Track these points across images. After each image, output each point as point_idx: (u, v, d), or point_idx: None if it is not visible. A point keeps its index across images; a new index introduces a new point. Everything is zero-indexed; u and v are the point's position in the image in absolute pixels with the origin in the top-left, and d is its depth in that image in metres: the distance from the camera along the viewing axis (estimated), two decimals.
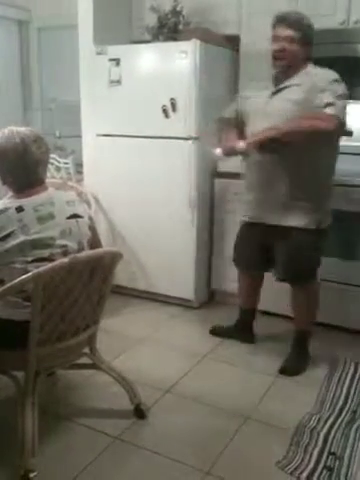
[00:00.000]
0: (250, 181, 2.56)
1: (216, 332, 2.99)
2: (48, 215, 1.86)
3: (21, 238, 1.80)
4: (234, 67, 3.37)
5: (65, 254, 1.86)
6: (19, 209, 1.82)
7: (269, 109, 2.40)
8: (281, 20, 2.38)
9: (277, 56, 2.39)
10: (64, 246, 1.89)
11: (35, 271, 1.69)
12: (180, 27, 3.29)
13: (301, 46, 2.36)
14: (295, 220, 2.44)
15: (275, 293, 3.13)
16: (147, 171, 3.31)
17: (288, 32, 2.34)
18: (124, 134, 3.33)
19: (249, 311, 2.90)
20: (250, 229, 2.63)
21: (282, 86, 2.41)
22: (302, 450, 1.97)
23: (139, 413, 2.18)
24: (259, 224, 2.56)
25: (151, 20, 3.35)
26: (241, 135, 2.57)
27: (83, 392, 2.39)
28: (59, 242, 1.88)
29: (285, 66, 2.39)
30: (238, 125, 2.63)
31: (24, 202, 1.85)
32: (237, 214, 3.22)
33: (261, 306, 3.25)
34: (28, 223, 1.81)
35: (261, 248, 2.61)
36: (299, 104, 2.32)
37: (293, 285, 2.58)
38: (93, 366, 2.18)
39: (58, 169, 3.71)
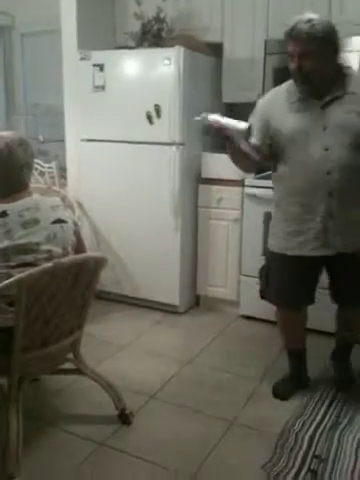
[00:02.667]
0: (303, 203, 2.11)
1: (282, 394, 2.42)
2: (33, 220, 1.85)
3: (5, 243, 1.79)
4: (217, 74, 3.40)
5: (50, 259, 1.85)
6: (3, 214, 1.81)
7: (327, 125, 2.01)
8: (292, 35, 1.96)
9: (298, 78, 2.01)
10: (49, 251, 1.88)
11: (18, 276, 1.68)
12: (163, 34, 3.32)
13: (326, 57, 1.97)
14: None
15: (260, 298, 3.16)
16: (131, 176, 3.31)
17: (303, 47, 1.94)
18: (108, 139, 3.33)
19: (303, 351, 2.47)
20: (301, 262, 2.17)
21: (331, 97, 2.02)
22: (287, 453, 1.98)
23: (123, 419, 2.17)
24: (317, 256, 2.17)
25: (135, 26, 3.37)
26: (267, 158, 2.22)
27: (67, 398, 2.37)
28: (44, 247, 1.87)
29: (307, 82, 2.01)
30: (267, 151, 2.20)
31: (8, 207, 1.84)
32: (221, 219, 3.27)
33: (244, 311, 3.28)
34: (12, 228, 1.80)
35: (316, 278, 2.27)
36: None
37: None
38: (77, 372, 2.17)
39: (42, 174, 3.70)
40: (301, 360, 2.47)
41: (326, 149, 2.01)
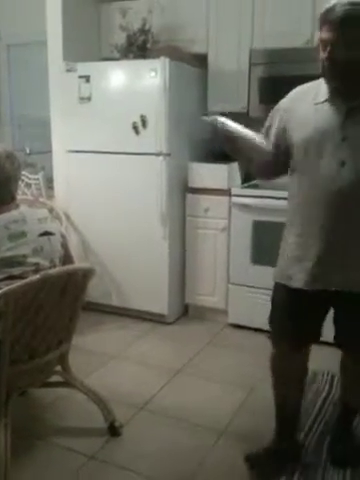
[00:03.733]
0: (313, 226, 1.74)
1: (253, 461, 1.99)
2: (20, 233, 1.85)
3: None
4: (203, 84, 3.43)
5: (37, 272, 1.84)
6: None
7: (347, 135, 1.64)
8: (327, 18, 1.59)
9: (328, 71, 1.65)
10: (36, 264, 1.87)
11: (5, 289, 1.67)
12: (149, 45, 3.34)
13: None
14: None
15: (248, 307, 3.17)
16: (118, 187, 3.32)
17: (337, 32, 1.58)
18: (95, 150, 3.33)
19: (296, 410, 2.03)
20: (303, 296, 1.80)
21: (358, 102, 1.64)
22: None
23: (113, 431, 2.16)
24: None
25: (120, 38, 3.39)
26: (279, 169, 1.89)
27: (56, 411, 2.35)
28: (31, 260, 1.86)
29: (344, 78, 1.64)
30: (278, 159, 1.86)
31: None
32: (208, 229, 3.28)
33: (232, 319, 3.29)
34: None
35: (322, 313, 1.89)
36: None
37: None
38: (66, 384, 2.16)
39: (28, 185, 3.69)
40: (292, 423, 2.03)
41: (342, 164, 1.65)
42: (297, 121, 1.75)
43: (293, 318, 1.86)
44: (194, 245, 3.37)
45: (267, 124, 1.89)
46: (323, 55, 1.61)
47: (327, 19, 1.57)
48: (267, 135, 1.88)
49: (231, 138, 1.88)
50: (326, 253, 1.72)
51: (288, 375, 1.97)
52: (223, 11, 3.29)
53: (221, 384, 2.62)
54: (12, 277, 1.79)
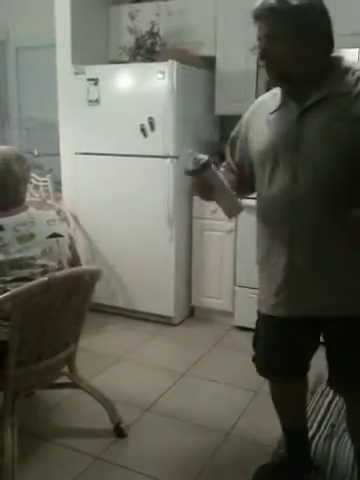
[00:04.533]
0: (275, 248, 1.59)
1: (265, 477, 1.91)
2: (29, 235, 1.87)
3: (0, 257, 1.80)
4: (210, 87, 3.44)
5: (45, 274, 1.86)
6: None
7: (300, 141, 1.47)
8: (258, 15, 1.47)
9: (263, 64, 1.52)
10: (44, 265, 1.89)
11: (12, 291, 1.69)
12: (157, 48, 3.36)
13: (300, 43, 1.43)
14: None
15: (254, 309, 3.17)
16: (126, 189, 3.33)
17: (271, 27, 1.44)
18: (103, 152, 3.35)
19: (302, 429, 1.94)
20: (283, 324, 1.65)
21: (315, 100, 1.45)
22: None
23: (119, 432, 2.17)
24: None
25: (128, 41, 3.41)
26: (242, 185, 1.72)
27: (62, 412, 2.37)
28: (39, 262, 1.88)
29: (282, 77, 1.49)
30: (243, 174, 1.73)
31: (4, 221, 1.85)
32: (215, 230, 3.29)
33: (238, 322, 3.29)
34: (8, 242, 1.82)
35: (305, 346, 1.71)
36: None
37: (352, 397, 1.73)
38: (72, 385, 2.17)
39: (36, 187, 3.71)
40: (300, 441, 1.92)
41: (294, 175, 1.47)
42: (253, 135, 1.63)
43: (272, 349, 1.72)
44: (201, 247, 3.37)
45: (233, 134, 1.77)
46: (258, 54, 1.50)
47: (255, 13, 1.47)
48: (232, 145, 1.77)
49: (207, 185, 1.56)
50: (290, 276, 1.56)
51: (283, 403, 1.87)
52: (231, 14, 3.29)
53: (226, 386, 2.62)
54: (20, 279, 1.80)
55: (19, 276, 1.82)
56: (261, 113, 1.62)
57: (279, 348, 1.70)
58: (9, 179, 1.88)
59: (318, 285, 1.54)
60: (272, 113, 1.56)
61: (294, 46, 1.43)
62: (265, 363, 1.77)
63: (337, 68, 1.48)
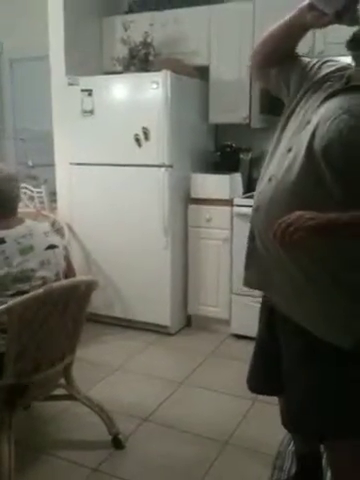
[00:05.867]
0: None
1: None
2: (28, 247, 1.88)
3: (4, 270, 1.80)
4: (204, 96, 3.46)
5: (43, 286, 1.86)
6: (1, 241, 1.83)
7: (312, 121, 1.36)
8: None
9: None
10: (43, 278, 1.89)
11: (9, 303, 1.69)
12: (151, 58, 3.37)
13: None
14: (310, 320, 1.38)
15: (251, 317, 3.17)
16: (121, 198, 3.34)
17: None
18: (98, 163, 3.36)
19: (311, 455, 1.78)
20: (261, 313, 1.64)
21: (354, 83, 1.35)
22: (286, 474, 1.97)
23: (117, 443, 2.15)
24: (266, 305, 1.59)
25: (122, 51, 3.42)
26: None
27: (60, 424, 2.35)
28: (38, 274, 1.88)
29: None
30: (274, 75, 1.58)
31: (5, 233, 1.85)
32: (211, 239, 3.30)
33: (235, 330, 3.28)
34: (10, 255, 1.82)
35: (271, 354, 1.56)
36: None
37: (316, 441, 1.61)
38: (69, 397, 2.16)
39: (31, 198, 3.71)
40: (311, 469, 1.77)
41: (289, 149, 1.40)
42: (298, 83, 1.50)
43: (254, 355, 1.69)
44: (197, 255, 3.37)
45: (309, 61, 1.53)
46: None
47: None
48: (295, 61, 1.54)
49: None
50: (250, 245, 1.53)
51: (283, 420, 1.73)
52: (224, 24, 3.32)
53: (224, 395, 2.61)
54: (21, 292, 1.79)
55: (20, 290, 1.82)
56: (324, 76, 1.46)
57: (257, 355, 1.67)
58: (12, 190, 1.93)
59: (272, 271, 1.45)
60: (323, 84, 1.43)
61: None
62: (251, 376, 1.73)
63: None
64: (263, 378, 1.66)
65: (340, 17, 1.32)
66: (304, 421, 1.43)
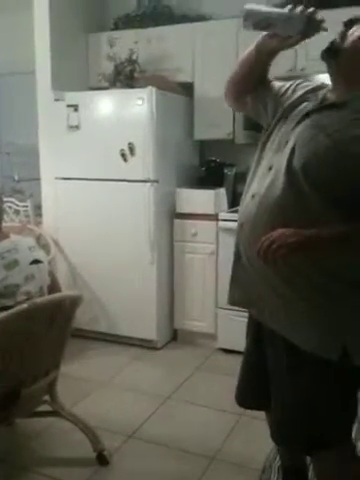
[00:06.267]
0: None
1: None
2: (13, 261, 1.87)
3: None
4: (189, 112, 3.50)
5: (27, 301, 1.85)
6: None
7: (291, 140, 1.39)
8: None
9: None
10: (27, 293, 1.89)
11: None
12: (136, 75, 3.41)
13: None
14: (297, 334, 1.39)
15: (237, 331, 3.18)
16: (107, 213, 3.34)
17: None
18: (83, 177, 3.37)
19: (295, 472, 1.82)
20: (248, 328, 1.67)
21: (327, 103, 1.40)
22: None
23: (102, 460, 2.13)
24: (252, 320, 1.62)
25: (108, 68, 3.46)
26: None
27: (44, 440, 2.32)
28: (23, 289, 1.88)
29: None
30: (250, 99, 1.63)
31: None
32: (196, 253, 3.31)
33: (221, 344, 3.29)
34: None
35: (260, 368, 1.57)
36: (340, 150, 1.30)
37: (304, 453, 1.63)
38: (54, 413, 2.14)
39: (17, 212, 3.70)
40: (298, 478, 1.81)
41: (269, 168, 1.44)
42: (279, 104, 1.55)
43: (241, 369, 1.72)
44: (182, 270, 3.38)
45: (282, 85, 1.60)
46: None
47: None
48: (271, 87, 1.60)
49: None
50: (236, 262, 1.56)
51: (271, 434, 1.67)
52: (207, 41, 3.37)
53: (211, 410, 2.61)
54: (5, 308, 1.78)
55: (4, 305, 1.80)
56: (300, 95, 1.51)
57: (244, 369, 1.70)
58: None
59: (258, 286, 1.47)
60: (302, 104, 1.47)
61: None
62: (237, 389, 1.73)
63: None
64: (251, 393, 1.68)
65: (305, 34, 1.38)
66: (292, 434, 1.46)
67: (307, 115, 1.39)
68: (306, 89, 1.52)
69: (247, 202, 1.48)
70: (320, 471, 1.52)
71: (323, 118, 1.35)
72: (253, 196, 1.45)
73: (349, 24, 1.34)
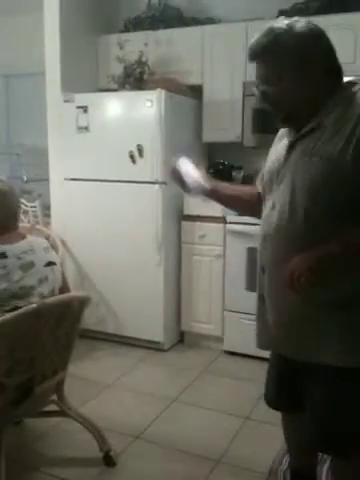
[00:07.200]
0: (257, 288, 1.59)
1: None
2: (29, 263, 1.89)
3: (3, 285, 1.80)
4: (198, 115, 3.51)
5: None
6: (2, 255, 1.83)
7: (285, 172, 1.44)
8: (252, 56, 1.44)
9: (267, 107, 1.47)
10: (40, 294, 1.90)
11: (1, 317, 1.68)
12: (145, 77, 3.42)
13: (301, 80, 1.38)
14: (327, 353, 1.41)
15: (244, 334, 3.18)
16: (115, 214, 3.35)
17: (266, 69, 1.41)
18: (92, 178, 3.38)
19: (305, 472, 1.83)
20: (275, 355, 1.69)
21: (306, 130, 1.40)
22: None
23: (108, 461, 2.14)
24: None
25: (117, 69, 3.47)
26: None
27: (51, 440, 2.33)
28: (37, 291, 1.89)
29: (286, 116, 1.44)
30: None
31: (7, 248, 1.86)
32: (204, 255, 3.31)
33: (228, 347, 3.29)
34: (11, 270, 1.82)
35: (287, 380, 1.64)
36: (334, 163, 1.32)
37: (330, 455, 1.65)
38: (61, 413, 2.15)
39: (25, 213, 3.72)
40: None
41: (273, 206, 1.47)
42: (268, 158, 1.62)
43: (268, 378, 1.74)
44: (189, 272, 3.38)
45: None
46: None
47: (248, 55, 1.46)
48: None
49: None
50: (260, 310, 1.57)
51: (287, 438, 1.82)
52: (217, 44, 3.38)
53: (216, 412, 2.61)
54: (18, 309, 1.79)
55: (17, 306, 1.81)
56: (280, 136, 1.59)
57: (271, 374, 1.72)
58: (14, 204, 1.95)
59: (284, 326, 1.48)
60: (281, 140, 1.55)
61: (295, 85, 1.37)
62: (265, 388, 1.76)
63: (337, 96, 1.39)
64: (277, 395, 1.70)
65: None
66: (329, 437, 1.50)
67: (292, 146, 1.44)
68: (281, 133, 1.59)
69: (268, 213, 1.51)
70: (346, 473, 1.56)
71: (309, 143, 1.38)
72: (274, 205, 1.48)
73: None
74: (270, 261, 1.47)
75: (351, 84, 1.41)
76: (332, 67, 1.40)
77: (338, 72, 1.42)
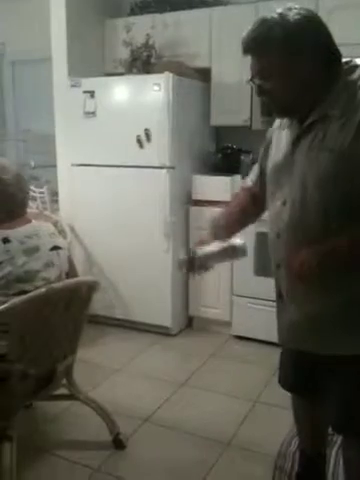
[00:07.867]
0: (274, 285, 1.59)
1: None
2: (34, 247, 1.88)
3: (7, 269, 1.80)
4: (206, 98, 3.47)
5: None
6: (5, 240, 1.83)
7: (293, 166, 1.39)
8: (245, 49, 1.36)
9: (264, 101, 1.44)
10: (46, 279, 1.90)
11: (10, 302, 1.69)
12: (153, 60, 3.39)
13: (296, 72, 1.31)
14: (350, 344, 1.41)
15: (252, 318, 3.18)
16: (122, 199, 3.35)
17: (261, 63, 1.34)
18: (99, 164, 3.37)
19: (316, 455, 1.84)
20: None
21: (310, 121, 1.35)
22: (286, 475, 1.97)
23: (118, 443, 2.16)
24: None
25: (124, 54, 3.44)
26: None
27: (61, 423, 2.36)
28: (42, 275, 1.89)
29: (284, 109, 1.41)
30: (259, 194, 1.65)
31: (10, 233, 1.86)
32: None
33: (236, 331, 3.29)
34: (14, 255, 1.82)
35: (306, 367, 1.62)
36: (345, 156, 1.27)
37: (347, 437, 1.61)
38: (71, 397, 2.17)
39: (33, 199, 3.72)
40: (314, 470, 1.84)
41: (284, 203, 1.42)
42: (270, 152, 1.55)
43: (284, 362, 1.73)
44: None
45: (261, 150, 1.66)
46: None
47: (242, 47, 1.38)
48: (259, 160, 1.67)
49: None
50: (279, 307, 1.57)
51: (298, 421, 1.83)
52: (224, 26, 3.33)
53: (225, 396, 2.62)
54: (23, 292, 1.80)
55: (22, 290, 1.82)
56: (280, 128, 1.53)
57: (287, 359, 1.71)
58: (22, 189, 1.93)
59: (306, 320, 1.45)
60: (283, 130, 1.48)
61: (290, 78, 1.31)
62: (280, 369, 1.75)
63: (340, 83, 1.33)
64: (294, 378, 1.70)
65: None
66: (352, 421, 1.50)
67: (297, 139, 1.39)
68: (274, 126, 1.57)
69: (278, 210, 1.47)
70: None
71: (315, 136, 1.33)
72: (285, 202, 1.44)
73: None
74: (285, 257, 1.45)
75: (352, 68, 1.35)
76: (330, 54, 1.34)
77: (337, 58, 1.35)
